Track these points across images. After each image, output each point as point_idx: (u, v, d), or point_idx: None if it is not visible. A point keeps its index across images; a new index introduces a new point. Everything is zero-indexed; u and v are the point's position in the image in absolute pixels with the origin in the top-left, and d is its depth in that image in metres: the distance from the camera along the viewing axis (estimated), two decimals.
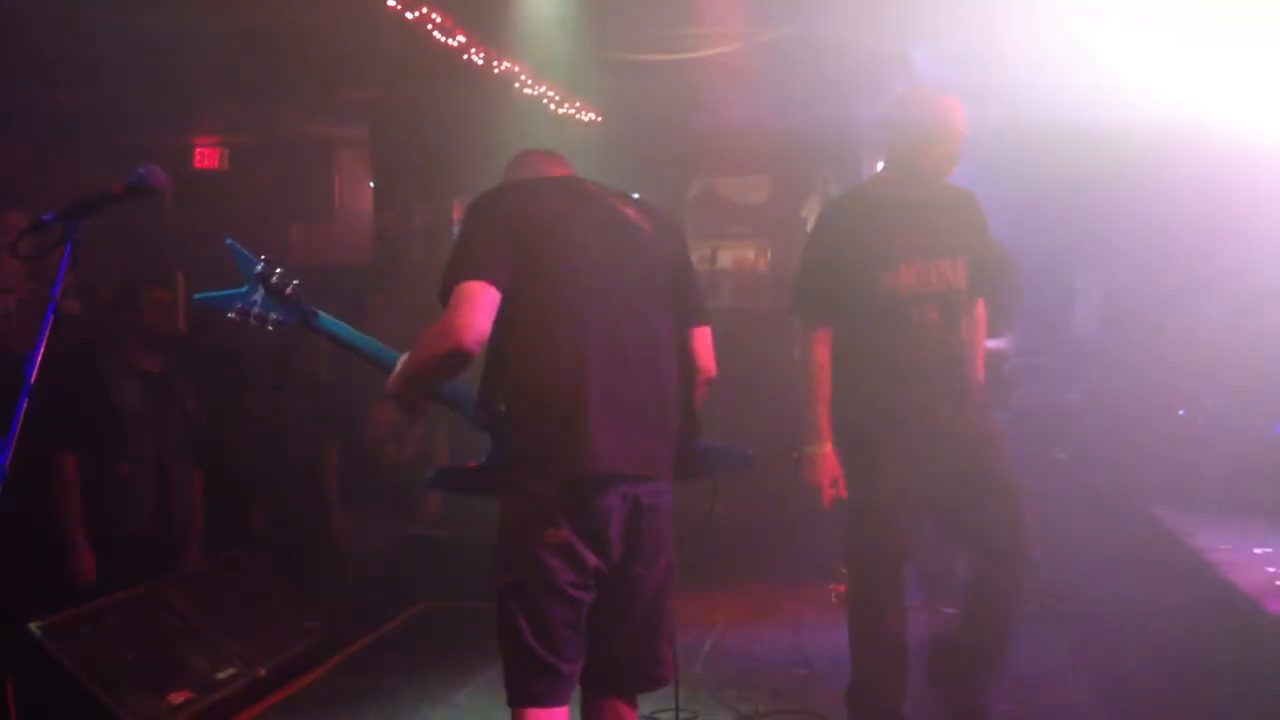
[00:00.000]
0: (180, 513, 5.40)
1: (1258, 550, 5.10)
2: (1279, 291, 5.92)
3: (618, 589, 3.06)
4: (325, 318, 3.26)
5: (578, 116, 8.46)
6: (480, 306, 2.87)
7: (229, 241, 3.21)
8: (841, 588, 6.50)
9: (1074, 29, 6.80)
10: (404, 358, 3.08)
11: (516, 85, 7.81)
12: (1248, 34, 6.24)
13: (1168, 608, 5.66)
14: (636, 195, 3.30)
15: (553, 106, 8.24)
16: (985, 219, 4.20)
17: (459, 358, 2.86)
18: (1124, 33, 6.57)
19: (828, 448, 4.13)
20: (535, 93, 7.99)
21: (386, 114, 8.73)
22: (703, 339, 3.31)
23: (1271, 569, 4.71)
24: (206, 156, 10.52)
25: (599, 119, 8.54)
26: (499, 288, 2.90)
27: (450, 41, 7.00)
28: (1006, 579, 4.08)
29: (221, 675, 4.91)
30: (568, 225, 3.07)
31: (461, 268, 2.92)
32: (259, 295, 3.20)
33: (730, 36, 7.51)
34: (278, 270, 3.21)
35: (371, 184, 9.61)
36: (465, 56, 7.21)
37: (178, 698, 4.61)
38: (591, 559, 2.96)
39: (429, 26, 6.77)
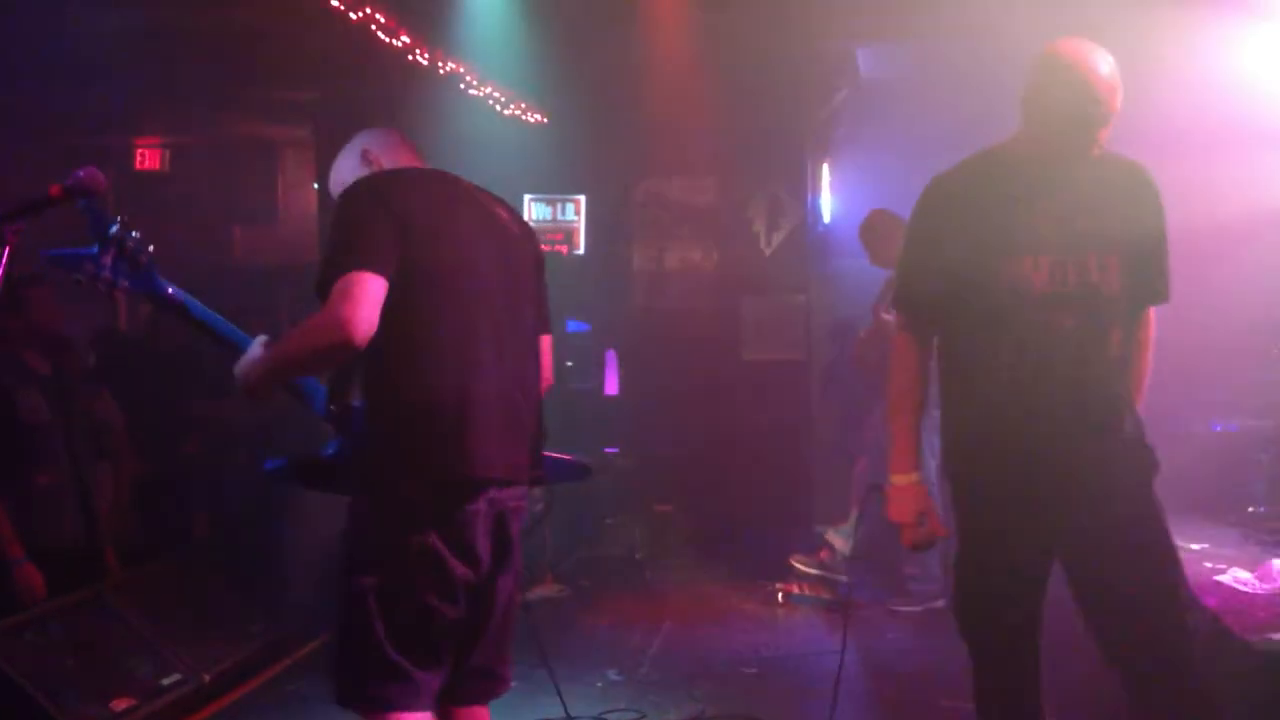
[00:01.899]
0: (102, 517, 5.29)
1: (1195, 546, 5.19)
2: (1215, 294, 6.01)
3: (481, 598, 3.01)
4: (178, 291, 3.09)
5: (524, 118, 8.45)
6: (372, 299, 2.78)
7: (83, 203, 2.92)
8: (790, 587, 6.57)
9: (1020, 30, 6.87)
10: (260, 342, 2.98)
11: (462, 86, 7.79)
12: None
13: None
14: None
15: (498, 108, 8.23)
16: (1160, 206, 3.24)
17: (346, 351, 2.77)
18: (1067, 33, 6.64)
19: (914, 477, 3.33)
20: (481, 94, 7.98)
21: (330, 114, 8.67)
22: (547, 347, 3.33)
23: (1208, 565, 4.79)
24: (148, 157, 10.41)
25: (545, 120, 8.53)
26: (388, 280, 2.82)
27: (394, 42, 6.98)
28: (1172, 687, 3.10)
29: (166, 681, 4.85)
30: (454, 223, 3.03)
31: (351, 256, 2.81)
32: (110, 258, 2.97)
33: (676, 39, 7.54)
34: (133, 234, 3.01)
35: (315, 185, 9.55)
36: (410, 57, 7.19)
37: (121, 704, 4.56)
38: (460, 570, 2.89)
39: (373, 27, 6.75)
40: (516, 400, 3.05)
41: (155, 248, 3.09)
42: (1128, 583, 3.08)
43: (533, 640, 5.61)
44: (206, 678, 5.02)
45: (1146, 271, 3.22)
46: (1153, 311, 3.34)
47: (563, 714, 4.59)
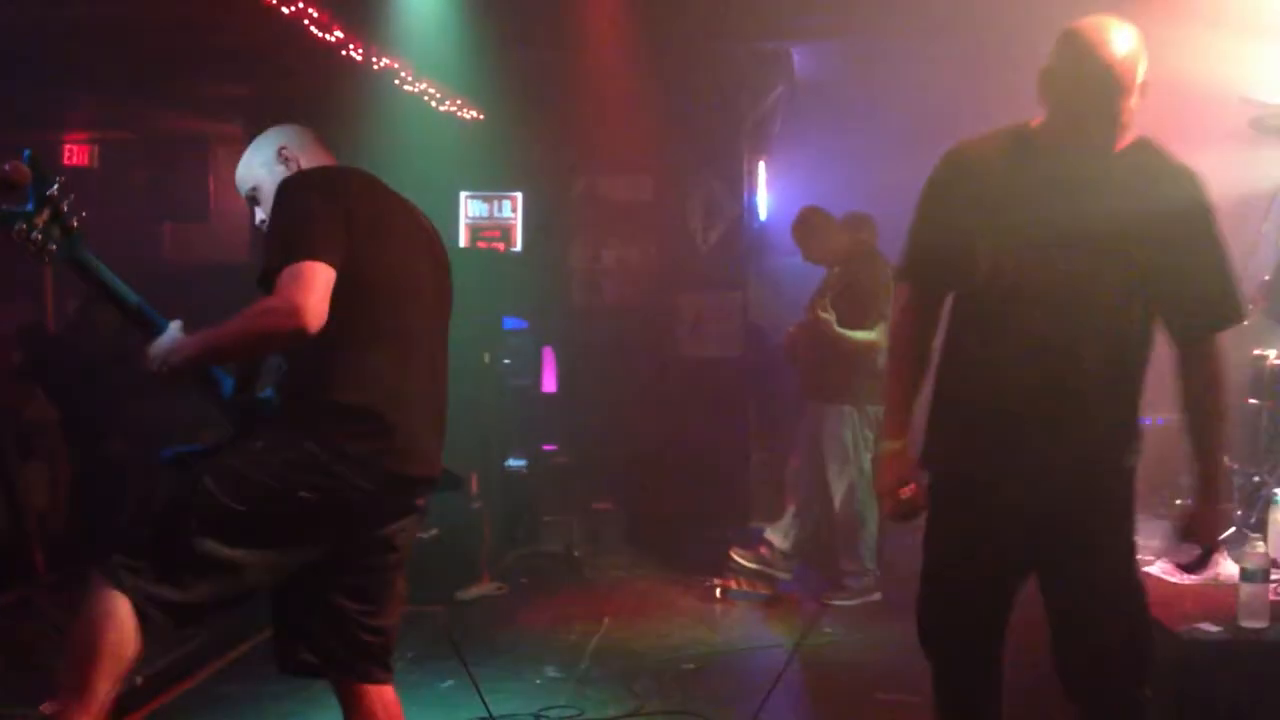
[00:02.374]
0: (26, 517, 5.21)
1: None
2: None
3: (375, 580, 3.10)
4: (104, 269, 3.08)
5: (459, 114, 8.41)
6: (325, 288, 2.81)
7: (26, 152, 2.96)
8: (728, 582, 6.60)
9: (952, 30, 6.95)
10: (177, 325, 3.02)
11: (396, 82, 7.74)
12: None
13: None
14: None
15: (434, 104, 8.19)
16: (1201, 210, 2.87)
17: (298, 338, 2.79)
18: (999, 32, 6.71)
19: (900, 445, 3.06)
20: (416, 90, 7.93)
21: (263, 110, 8.57)
22: None
23: (1137, 556, 4.85)
24: (76, 153, 10.25)
25: (481, 117, 8.50)
26: (337, 272, 2.86)
27: (328, 37, 6.91)
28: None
29: None
30: (392, 222, 3.10)
31: (304, 244, 2.83)
32: (44, 220, 2.95)
33: (613, 35, 7.54)
34: (70, 197, 3.01)
35: None
36: (344, 52, 7.13)
37: (50, 708, 4.48)
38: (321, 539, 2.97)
39: (306, 22, 6.68)
40: (440, 403, 3.17)
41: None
42: (1099, 631, 2.96)
43: (468, 639, 5.61)
44: (139, 680, 4.94)
45: (1185, 287, 2.87)
46: (1220, 342, 2.90)
47: (486, 714, 4.57)
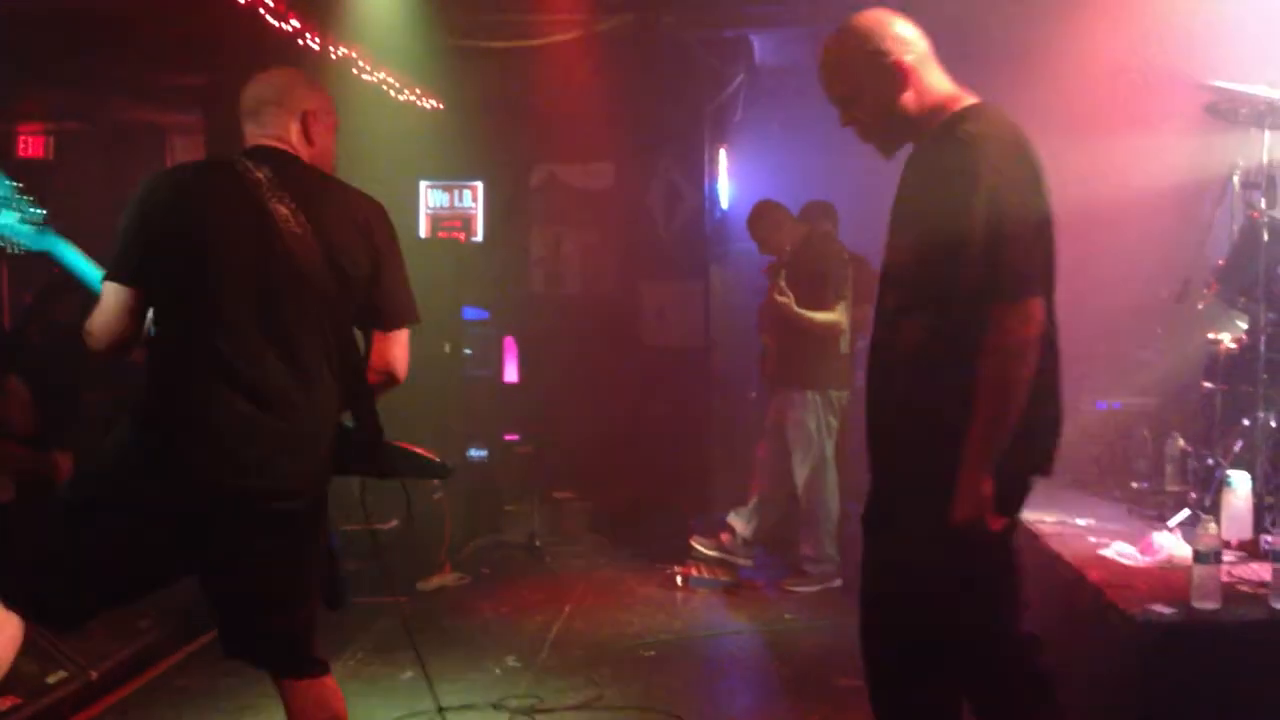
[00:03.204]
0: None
1: (1080, 521, 5.30)
2: (1100, 274, 6.15)
3: (235, 587, 3.08)
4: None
5: (419, 104, 8.37)
6: (116, 309, 2.95)
7: None
8: (687, 569, 6.61)
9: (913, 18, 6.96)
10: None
11: (355, 71, 7.69)
12: None
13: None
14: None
15: (393, 93, 8.14)
16: (961, 178, 2.76)
17: (97, 357, 3.00)
18: (955, 19, 6.74)
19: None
20: (374, 79, 7.88)
21: (220, 99, 8.50)
22: (385, 342, 3.31)
23: (1093, 539, 4.89)
24: (31, 144, 10.12)
25: (440, 106, 8.46)
26: (138, 287, 2.97)
27: (285, 26, 6.86)
28: None
29: (52, 679, 4.74)
30: (204, 225, 3.03)
31: (111, 261, 2.98)
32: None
33: (571, 24, 7.52)
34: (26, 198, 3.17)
35: None
36: (301, 41, 7.08)
37: (5, 703, 4.44)
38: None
39: (262, 10, 6.63)
40: (265, 405, 2.98)
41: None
42: None
43: (429, 629, 5.60)
44: (94, 675, 4.91)
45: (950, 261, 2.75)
46: (998, 311, 2.72)
47: (427, 709, 4.56)
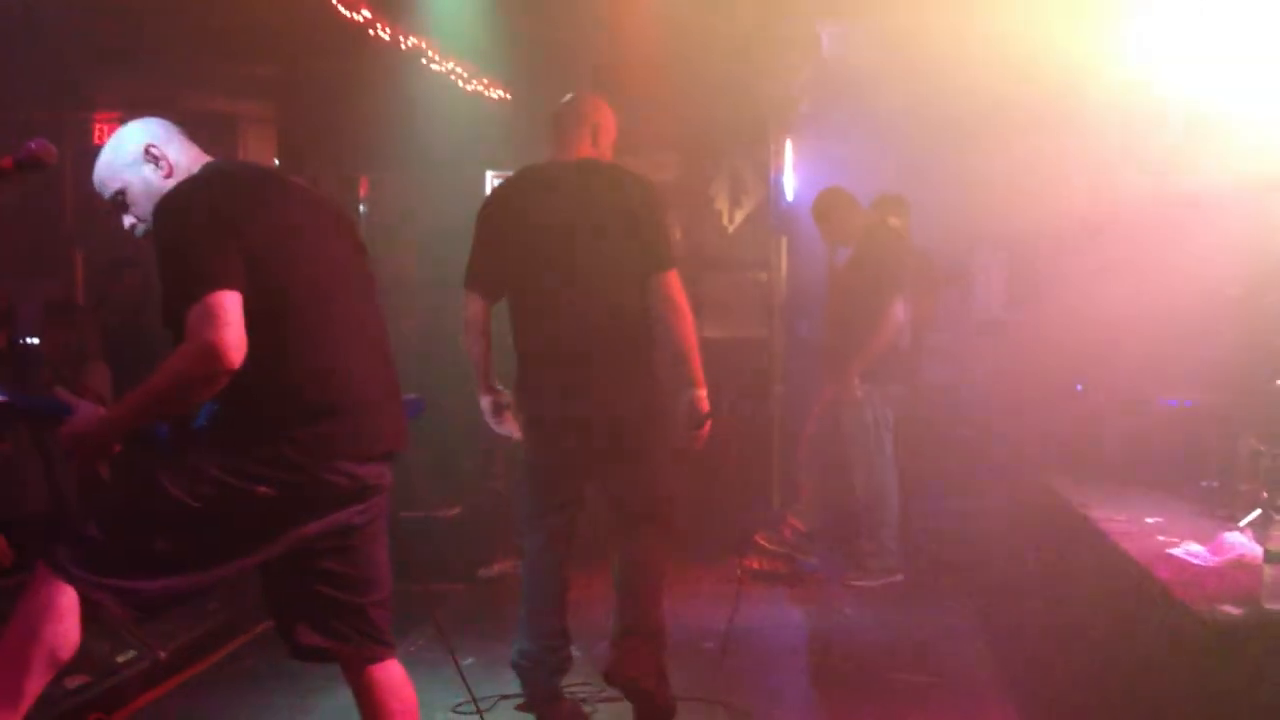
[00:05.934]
0: (69, 489, 5.28)
1: (1149, 520, 5.23)
2: (1168, 274, 6.07)
3: (351, 560, 3.13)
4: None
5: (486, 93, 8.41)
6: (238, 316, 2.80)
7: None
8: (751, 563, 6.60)
9: (981, 11, 6.91)
10: (85, 403, 3.00)
11: (424, 61, 7.74)
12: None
13: (1064, 575, 5.81)
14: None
15: (460, 83, 8.18)
16: None
17: (225, 377, 2.79)
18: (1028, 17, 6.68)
19: None
20: (443, 69, 7.93)
21: (292, 90, 8.60)
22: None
23: (1162, 538, 4.82)
24: (108, 132, 10.28)
25: (507, 96, 8.49)
26: (244, 287, 2.84)
27: (356, 16, 6.93)
28: None
29: (122, 658, 4.83)
30: (285, 212, 3.06)
31: (203, 276, 2.80)
32: None
33: (640, 14, 7.51)
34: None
35: (276, 161, 9.46)
36: (371, 32, 7.14)
37: (74, 681, 4.53)
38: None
39: (334, 1, 6.69)
40: (386, 375, 3.16)
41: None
42: None
43: (489, 617, 5.64)
44: (162, 654, 5.00)
45: None
46: None
47: (505, 692, 4.61)
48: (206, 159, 3.15)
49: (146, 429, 2.97)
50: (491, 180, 8.55)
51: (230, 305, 2.78)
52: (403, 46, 7.45)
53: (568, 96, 4.60)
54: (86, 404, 2.98)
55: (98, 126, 10.07)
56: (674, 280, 4.24)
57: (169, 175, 3.06)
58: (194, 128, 3.31)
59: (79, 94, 9.15)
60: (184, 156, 3.11)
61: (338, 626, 3.13)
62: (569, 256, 4.22)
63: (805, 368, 8.08)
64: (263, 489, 2.87)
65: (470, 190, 8.27)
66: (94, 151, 3.20)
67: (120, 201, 3.10)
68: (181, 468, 2.89)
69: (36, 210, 8.15)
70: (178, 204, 2.94)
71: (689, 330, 4.28)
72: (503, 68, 8.10)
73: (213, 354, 2.74)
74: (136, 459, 2.98)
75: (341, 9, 6.80)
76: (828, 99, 8.94)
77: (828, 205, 6.71)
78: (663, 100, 7.80)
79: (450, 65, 7.95)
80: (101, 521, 2.93)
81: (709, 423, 4.34)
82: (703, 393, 4.32)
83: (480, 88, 8.34)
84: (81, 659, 4.64)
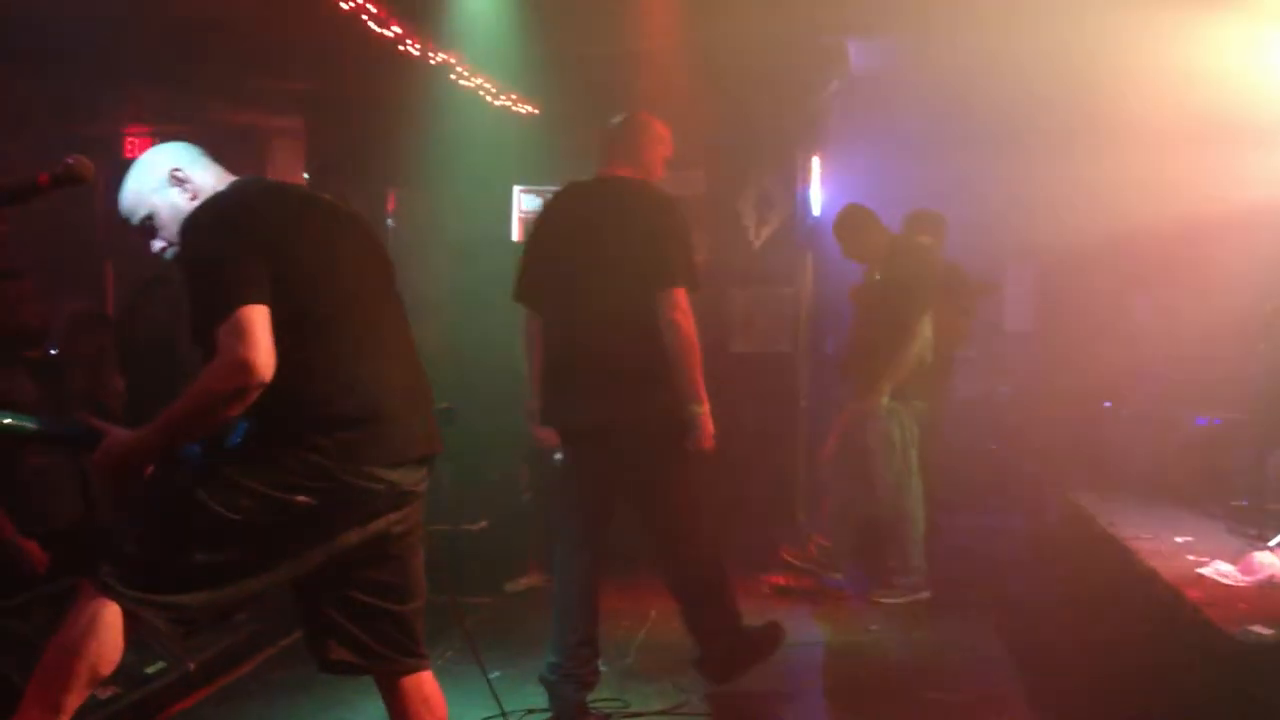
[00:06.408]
0: (103, 501, 5.31)
1: (1178, 539, 5.22)
2: (1203, 289, 6.05)
3: (389, 569, 3.15)
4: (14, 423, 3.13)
5: (514, 109, 8.44)
6: (266, 330, 2.80)
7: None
8: (777, 579, 6.59)
9: (1009, 26, 6.90)
10: (118, 430, 2.99)
11: (453, 77, 7.78)
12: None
13: (1092, 593, 5.78)
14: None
15: (489, 99, 8.22)
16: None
17: (255, 391, 2.79)
18: (1054, 30, 6.66)
19: None
20: (472, 84, 7.97)
21: (321, 104, 8.66)
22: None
23: (1191, 557, 4.81)
24: (138, 146, 10.37)
25: (536, 111, 8.53)
26: (272, 302, 2.84)
27: (385, 32, 6.97)
28: None
29: (151, 669, 4.85)
30: (311, 227, 3.08)
31: (231, 291, 2.80)
32: None
33: (667, 30, 7.54)
34: None
35: (305, 175, 9.52)
36: (401, 47, 7.18)
37: (104, 692, 4.54)
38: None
39: (364, 17, 6.74)
40: (416, 381, 3.18)
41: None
42: None
43: (515, 631, 5.64)
44: (191, 666, 5.02)
45: None
46: None
47: (531, 706, 4.62)
48: (231, 178, 3.18)
49: (179, 451, 2.97)
50: (519, 195, 8.60)
51: (259, 320, 2.79)
52: (432, 62, 7.50)
53: (617, 117, 4.76)
54: (116, 429, 2.99)
55: (128, 140, 10.17)
56: (677, 298, 4.33)
57: (195, 198, 3.08)
58: (223, 142, 3.34)
59: (110, 109, 9.24)
60: (209, 178, 3.14)
61: (369, 641, 3.14)
62: (590, 270, 4.41)
63: (830, 383, 8.08)
64: (301, 498, 2.89)
65: (498, 205, 8.32)
66: (125, 166, 3.21)
67: (149, 226, 3.12)
68: (218, 481, 2.90)
69: (68, 224, 8.21)
70: (204, 221, 2.97)
71: (684, 348, 4.35)
72: (531, 83, 8.13)
73: (243, 369, 2.76)
74: (173, 476, 2.97)
75: (371, 25, 6.84)
76: (855, 114, 8.95)
77: (848, 222, 6.71)
78: (690, 116, 7.81)
79: (479, 81, 7.99)
80: (143, 538, 2.95)
81: (711, 440, 4.45)
82: (698, 409, 4.40)
83: (508, 103, 8.38)
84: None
